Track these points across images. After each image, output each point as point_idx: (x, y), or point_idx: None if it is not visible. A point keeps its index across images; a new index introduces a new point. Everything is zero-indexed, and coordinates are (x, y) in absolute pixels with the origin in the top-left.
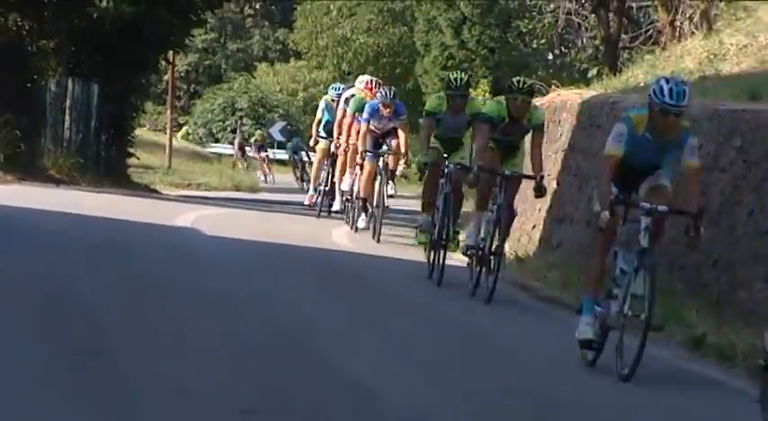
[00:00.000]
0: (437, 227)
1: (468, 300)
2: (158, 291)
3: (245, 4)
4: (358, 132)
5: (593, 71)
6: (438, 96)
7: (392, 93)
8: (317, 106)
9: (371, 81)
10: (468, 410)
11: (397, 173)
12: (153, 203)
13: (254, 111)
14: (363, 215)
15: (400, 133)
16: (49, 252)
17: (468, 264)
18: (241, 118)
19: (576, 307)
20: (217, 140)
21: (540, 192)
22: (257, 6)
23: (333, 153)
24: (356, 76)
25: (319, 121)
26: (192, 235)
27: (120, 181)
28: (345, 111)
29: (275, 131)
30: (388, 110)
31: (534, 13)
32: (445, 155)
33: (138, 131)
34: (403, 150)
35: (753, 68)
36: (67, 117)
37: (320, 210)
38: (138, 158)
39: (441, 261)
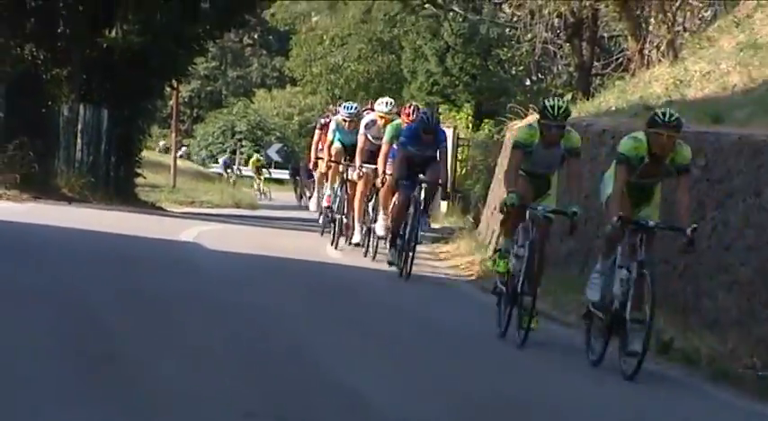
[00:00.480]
0: (518, 279)
1: (450, 303)
2: (163, 301)
3: (244, 34)
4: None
5: (568, 96)
6: (530, 126)
7: (434, 117)
8: (312, 129)
9: (410, 105)
10: (455, 413)
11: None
12: (158, 220)
13: (253, 133)
14: (392, 250)
15: (441, 162)
16: (62, 265)
17: (587, 325)
18: (240, 140)
19: None
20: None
21: (691, 248)
22: (255, 36)
23: (347, 179)
24: (374, 102)
25: (330, 143)
26: (194, 249)
27: (128, 199)
28: (366, 137)
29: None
30: (429, 136)
31: (513, 43)
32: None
33: (144, 153)
34: (441, 180)
35: (715, 93)
36: (79, 140)
37: (343, 241)
38: (145, 178)
39: (525, 321)
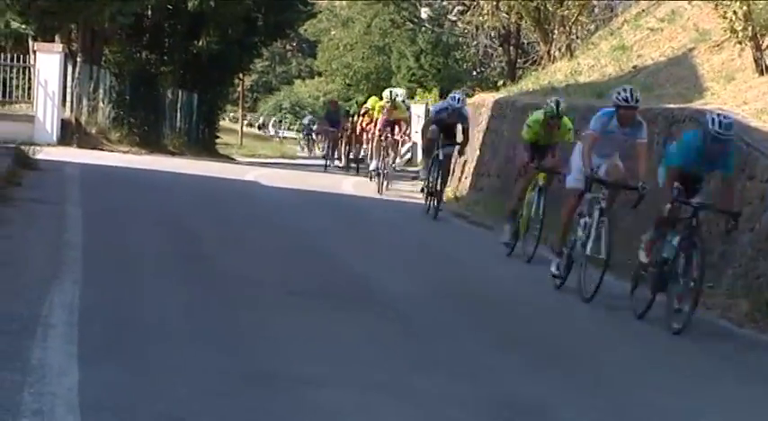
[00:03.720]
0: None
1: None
2: (235, 218)
3: (286, 42)
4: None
5: (501, 82)
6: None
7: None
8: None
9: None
10: (428, 292)
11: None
12: (231, 166)
13: (293, 109)
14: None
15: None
16: (168, 195)
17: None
18: (285, 113)
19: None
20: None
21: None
22: (294, 44)
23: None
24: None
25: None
26: (255, 185)
27: (211, 153)
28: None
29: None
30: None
31: (464, 47)
32: None
33: (221, 122)
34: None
35: (598, 79)
36: (178, 114)
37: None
38: (222, 138)
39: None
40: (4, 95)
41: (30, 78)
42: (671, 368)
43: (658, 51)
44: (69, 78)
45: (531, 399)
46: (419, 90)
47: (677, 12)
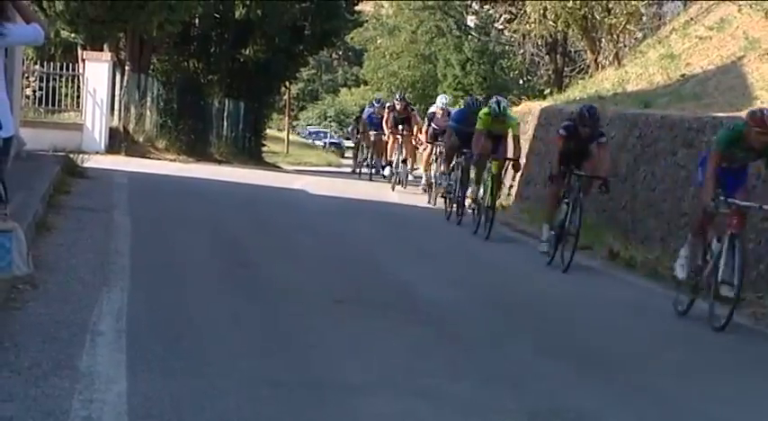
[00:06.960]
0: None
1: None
2: (281, 226)
3: (333, 51)
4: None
5: (548, 90)
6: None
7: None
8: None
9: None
10: (470, 296)
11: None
12: (277, 174)
13: (338, 117)
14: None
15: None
16: (215, 202)
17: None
18: (330, 121)
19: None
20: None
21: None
22: (340, 52)
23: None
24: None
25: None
26: (301, 193)
27: (258, 161)
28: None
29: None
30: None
31: (511, 55)
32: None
33: (268, 131)
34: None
35: (645, 88)
36: (225, 122)
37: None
38: (268, 147)
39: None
40: (53, 104)
41: (78, 87)
42: (719, 376)
43: (707, 60)
44: (117, 87)
45: (577, 407)
46: (465, 98)
47: (726, 20)
